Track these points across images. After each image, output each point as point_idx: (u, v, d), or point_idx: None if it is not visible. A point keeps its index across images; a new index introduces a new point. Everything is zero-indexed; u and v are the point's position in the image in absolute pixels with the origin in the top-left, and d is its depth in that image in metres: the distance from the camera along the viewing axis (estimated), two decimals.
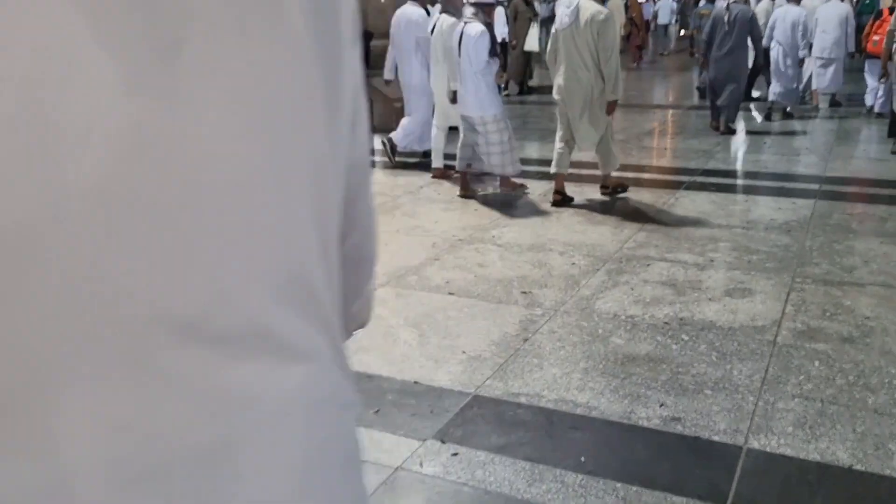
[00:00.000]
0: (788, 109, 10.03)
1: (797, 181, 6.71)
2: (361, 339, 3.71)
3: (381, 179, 7.04)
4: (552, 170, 6.07)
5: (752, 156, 8.00)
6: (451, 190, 6.64)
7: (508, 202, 6.22)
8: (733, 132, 8.97)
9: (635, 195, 6.33)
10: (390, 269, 4.69)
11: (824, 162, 7.48)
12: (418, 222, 5.72)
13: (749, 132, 9.26)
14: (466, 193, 6.46)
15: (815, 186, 6.54)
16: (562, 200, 6.01)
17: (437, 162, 7.20)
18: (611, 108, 5.86)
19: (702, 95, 11.20)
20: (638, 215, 5.73)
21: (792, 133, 9.18)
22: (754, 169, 7.35)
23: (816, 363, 3.33)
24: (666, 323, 3.80)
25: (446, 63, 6.44)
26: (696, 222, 5.51)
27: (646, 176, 7.05)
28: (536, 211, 5.93)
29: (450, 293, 4.28)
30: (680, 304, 4.02)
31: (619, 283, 4.35)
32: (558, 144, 6.05)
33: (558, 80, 5.93)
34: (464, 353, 3.54)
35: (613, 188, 6.30)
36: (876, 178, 6.81)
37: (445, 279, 4.51)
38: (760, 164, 7.52)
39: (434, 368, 3.40)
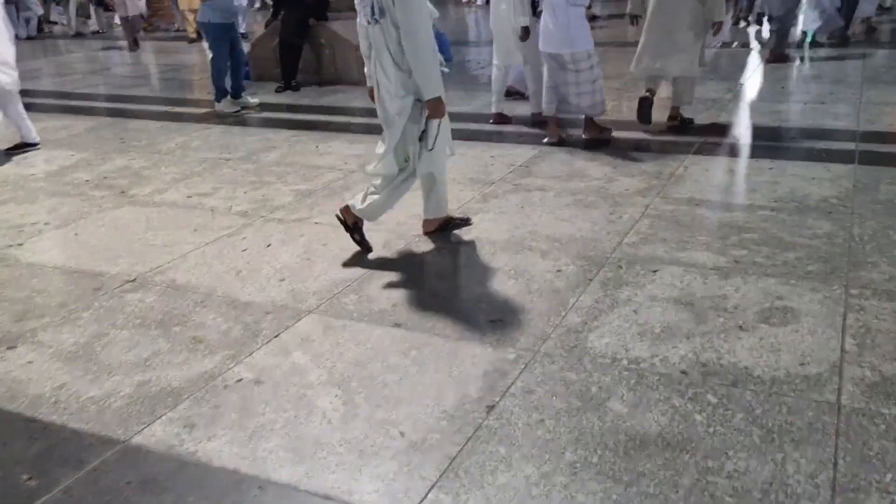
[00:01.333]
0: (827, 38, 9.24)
1: (829, 139, 5.60)
2: (263, 410, 2.69)
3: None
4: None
5: (769, 105, 6.86)
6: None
7: (492, 176, 5.13)
8: (785, 58, 8.02)
9: (635, 163, 5.24)
10: (325, 285, 3.64)
11: (856, 111, 6.36)
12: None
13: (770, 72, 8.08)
14: (560, 139, 5.88)
15: (850, 146, 5.44)
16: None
17: (496, 105, 6.67)
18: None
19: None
20: (638, 192, 4.65)
21: (816, 75, 8.01)
22: (774, 122, 6.22)
23: None
24: (684, 372, 2.77)
25: None
26: (710, 202, 4.43)
27: (646, 136, 5.93)
28: (520, 188, 4.85)
29: (396, 324, 3.24)
30: (701, 338, 2.99)
31: (618, 303, 3.31)
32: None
33: None
34: (402, 434, 2.52)
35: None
36: None
37: (392, 300, 3.46)
38: (781, 117, 6.38)
39: (356, 469, 2.38)
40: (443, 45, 8.51)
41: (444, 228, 4.20)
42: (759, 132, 6.02)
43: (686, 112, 6.17)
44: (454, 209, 4.47)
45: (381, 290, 3.56)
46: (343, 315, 3.33)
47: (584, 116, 5.87)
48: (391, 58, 3.66)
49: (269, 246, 4.18)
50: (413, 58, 3.57)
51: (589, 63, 5.53)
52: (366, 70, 3.92)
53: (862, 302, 3.20)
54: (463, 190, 4.92)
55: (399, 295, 3.51)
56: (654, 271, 3.60)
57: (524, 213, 4.43)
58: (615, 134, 5.89)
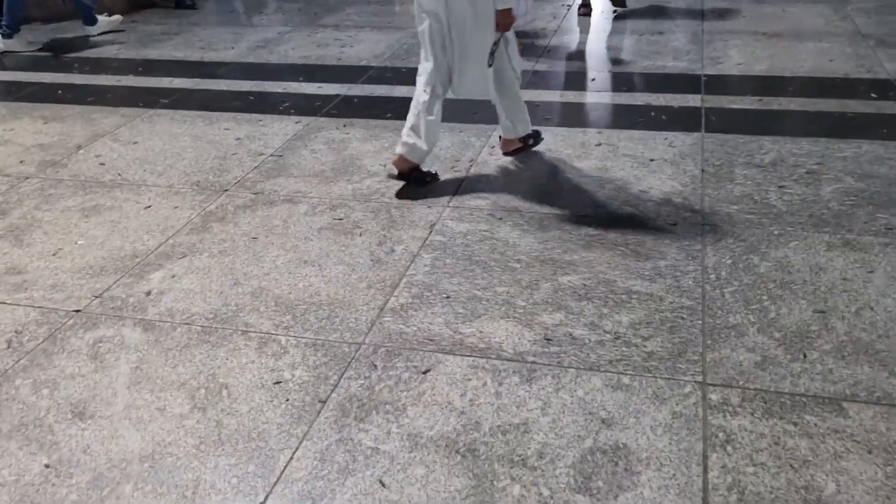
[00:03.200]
0: None
1: (670, 89, 4.47)
2: None
3: None
4: None
5: (600, 40, 5.66)
6: None
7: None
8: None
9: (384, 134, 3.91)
10: None
11: (699, 45, 5.27)
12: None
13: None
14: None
15: (695, 100, 4.34)
16: None
17: None
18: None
19: None
20: (423, 199, 3.34)
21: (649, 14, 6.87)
22: (604, 66, 5.03)
23: None
24: None
25: None
26: (517, 213, 3.19)
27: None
28: (261, 199, 3.40)
29: None
30: None
31: (355, 460, 2.02)
32: None
33: None
34: None
35: None
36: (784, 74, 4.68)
37: None
38: (613, 56, 5.20)
39: None
40: None
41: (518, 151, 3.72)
42: (583, 82, 4.80)
43: None
44: (145, 249, 3.00)
45: None
46: None
47: None
48: None
49: None
50: None
51: None
52: None
53: (727, 421, 2.07)
54: (178, 207, 3.41)
55: None
56: (425, 372, 2.32)
57: (253, 254, 3.01)
58: None
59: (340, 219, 3.24)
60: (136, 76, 5.26)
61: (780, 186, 3.32)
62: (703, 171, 3.50)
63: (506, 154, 3.73)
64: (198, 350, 2.46)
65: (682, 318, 2.50)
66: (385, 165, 3.72)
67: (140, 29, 6.53)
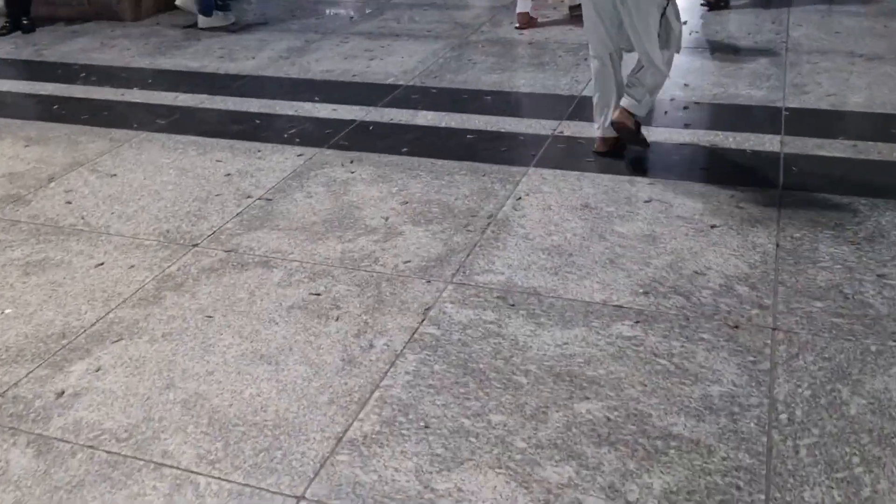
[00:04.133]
0: None
1: (742, 128, 3.72)
2: None
3: None
4: None
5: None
6: None
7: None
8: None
9: (439, 184, 3.27)
10: None
11: (783, 69, 4.48)
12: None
13: None
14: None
15: (774, 143, 3.57)
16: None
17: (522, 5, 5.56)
18: None
19: None
20: (421, 269, 2.73)
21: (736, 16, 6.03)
22: (673, 98, 4.30)
23: None
24: None
25: None
26: (535, 294, 2.53)
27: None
28: (232, 259, 2.84)
29: None
30: None
31: None
32: None
33: None
34: None
35: None
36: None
37: None
38: (684, 87, 4.45)
39: None
40: None
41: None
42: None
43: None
44: (79, 326, 2.47)
45: None
46: None
47: None
48: None
49: None
50: None
51: None
52: None
53: None
54: (134, 266, 2.87)
55: None
56: None
57: (201, 341, 2.44)
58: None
59: (318, 294, 2.65)
60: (141, 90, 4.78)
61: (879, 276, 2.57)
62: (777, 245, 2.77)
63: (616, 125, 3.41)
64: (92, 491, 1.90)
65: (738, 489, 1.81)
66: (387, 219, 3.12)
67: (162, 33, 6.07)
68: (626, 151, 3.54)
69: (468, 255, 2.83)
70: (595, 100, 3.54)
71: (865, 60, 4.58)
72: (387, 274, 2.74)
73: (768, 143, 3.59)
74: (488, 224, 3.04)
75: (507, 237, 2.94)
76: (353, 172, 3.53)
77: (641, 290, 2.57)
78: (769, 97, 4.13)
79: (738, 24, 5.47)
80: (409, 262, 2.81)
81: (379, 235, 3.00)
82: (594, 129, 3.60)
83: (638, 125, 3.45)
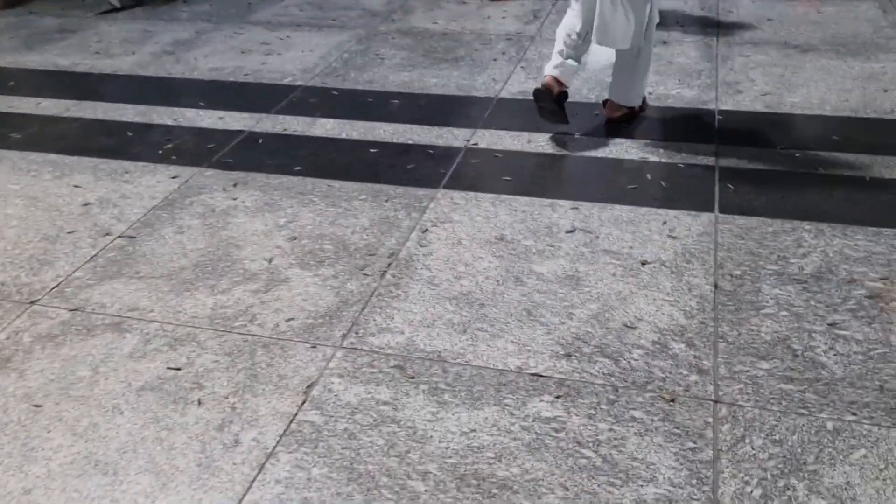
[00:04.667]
0: None
1: (676, 138, 3.38)
2: None
3: None
4: None
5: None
6: None
7: None
8: None
9: (334, 213, 2.82)
10: None
11: (713, 64, 4.15)
12: None
13: None
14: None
15: (705, 156, 3.23)
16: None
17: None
18: None
19: None
20: (306, 328, 2.29)
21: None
22: (587, 97, 3.91)
23: None
24: None
25: None
26: (441, 364, 2.13)
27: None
28: (75, 321, 2.34)
29: None
30: None
31: None
32: None
33: None
34: None
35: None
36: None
37: None
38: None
39: None
40: None
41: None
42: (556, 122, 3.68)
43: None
44: None
45: None
46: None
47: None
48: None
49: None
50: None
51: None
52: None
53: None
54: None
55: None
56: None
57: (22, 443, 1.93)
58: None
59: (178, 369, 2.19)
60: (1, 94, 4.16)
61: (830, 324, 2.25)
62: (716, 286, 2.43)
63: (610, 120, 3.52)
64: None
65: None
66: (271, 260, 2.66)
67: (34, 23, 5.38)
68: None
69: (363, 309, 2.40)
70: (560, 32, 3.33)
71: (800, 52, 4.29)
72: (264, 338, 2.30)
73: (702, 154, 3.25)
74: (389, 265, 2.61)
75: (410, 282, 2.52)
76: (235, 199, 3.05)
77: (563, 352, 2.19)
78: (701, 97, 3.79)
79: (665, 12, 5.13)
80: (292, 319, 2.37)
81: (259, 283, 2.54)
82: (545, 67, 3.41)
83: (561, 95, 3.33)
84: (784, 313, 2.30)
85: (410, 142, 3.47)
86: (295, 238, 2.78)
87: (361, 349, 2.23)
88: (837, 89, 3.81)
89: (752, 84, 3.92)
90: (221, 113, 3.82)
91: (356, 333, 2.30)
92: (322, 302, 2.44)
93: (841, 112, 3.57)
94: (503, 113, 3.71)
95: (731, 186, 3.00)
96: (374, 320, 2.35)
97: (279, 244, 2.74)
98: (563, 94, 3.32)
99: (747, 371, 2.09)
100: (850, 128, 3.43)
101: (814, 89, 3.82)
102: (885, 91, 3.77)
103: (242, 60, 4.51)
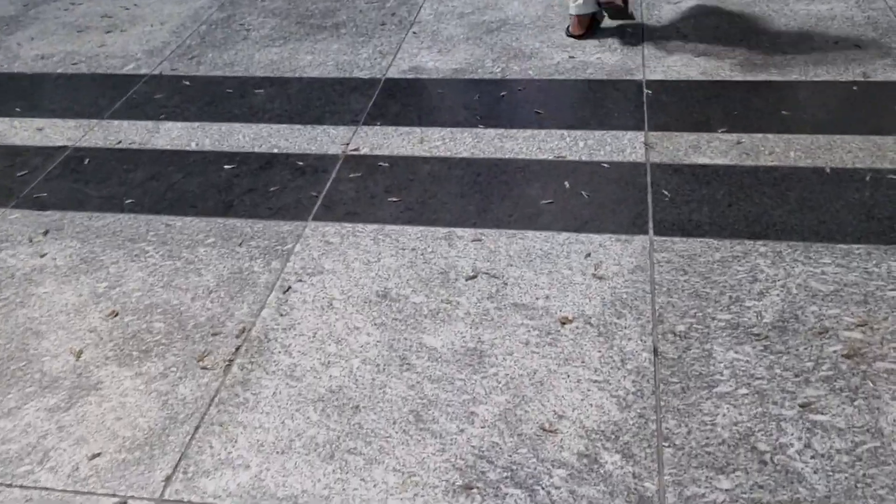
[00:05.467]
0: None
1: (591, 121, 2.79)
2: None
3: None
4: None
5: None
6: None
7: None
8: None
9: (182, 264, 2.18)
10: None
11: (638, 13, 3.53)
12: None
13: None
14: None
15: (633, 150, 2.66)
16: None
17: None
18: None
19: None
20: (138, 446, 1.69)
21: None
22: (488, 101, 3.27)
23: None
24: None
25: None
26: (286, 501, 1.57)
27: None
28: None
29: None
30: None
31: None
32: None
33: None
34: None
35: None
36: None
37: None
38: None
39: None
40: None
41: None
42: (457, 107, 3.04)
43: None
44: None
45: None
46: None
47: None
48: None
49: None
50: None
51: None
52: None
53: None
54: None
55: None
56: None
57: None
58: None
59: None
60: None
61: (802, 405, 1.74)
62: (655, 352, 1.90)
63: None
64: None
65: None
66: (80, 355, 2.02)
67: None
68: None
69: (196, 429, 1.80)
70: None
71: None
72: (56, 493, 1.68)
73: (629, 147, 2.67)
74: (237, 349, 1.99)
75: (263, 377, 1.92)
76: (43, 257, 2.36)
77: (461, 481, 1.64)
78: (625, 65, 3.19)
79: None
80: (97, 456, 1.75)
81: (60, 395, 1.90)
82: (569, 6, 3.28)
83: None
84: (743, 391, 1.79)
85: (276, 150, 2.80)
86: (116, 314, 2.13)
87: (190, 502, 1.64)
88: (780, 40, 3.25)
89: (682, 42, 3.32)
90: (41, 122, 3.06)
91: (184, 473, 1.70)
92: (143, 421, 1.82)
93: (790, 76, 3.02)
94: (391, 101, 3.05)
95: (665, 193, 2.44)
96: (211, 448, 1.75)
97: (94, 325, 2.09)
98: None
99: (704, 497, 1.58)
100: (805, 94, 2.89)
101: (753, 45, 3.25)
102: (836, 43, 3.22)
103: (76, 42, 3.69)
